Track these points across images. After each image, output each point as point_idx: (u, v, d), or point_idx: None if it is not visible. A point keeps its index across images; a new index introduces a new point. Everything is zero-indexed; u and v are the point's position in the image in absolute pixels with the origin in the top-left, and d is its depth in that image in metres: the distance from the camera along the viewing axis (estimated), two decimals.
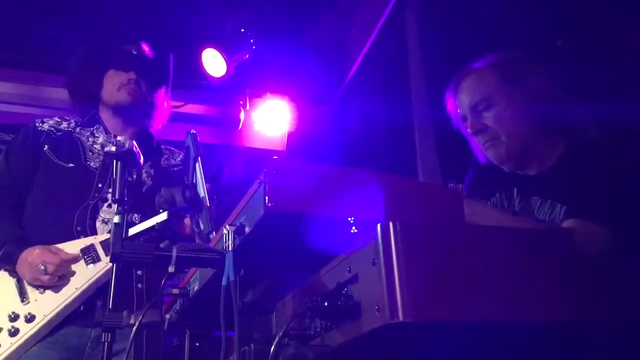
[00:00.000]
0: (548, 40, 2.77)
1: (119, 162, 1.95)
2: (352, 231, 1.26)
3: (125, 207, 1.76)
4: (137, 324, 1.70)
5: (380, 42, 4.58)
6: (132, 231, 1.80)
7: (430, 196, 1.34)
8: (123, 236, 1.62)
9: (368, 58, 4.81)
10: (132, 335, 1.69)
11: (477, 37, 3.20)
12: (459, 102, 2.17)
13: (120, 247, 1.43)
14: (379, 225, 1.02)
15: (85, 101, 2.86)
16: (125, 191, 1.80)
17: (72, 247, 2.51)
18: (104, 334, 1.72)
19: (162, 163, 2.90)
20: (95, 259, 2.49)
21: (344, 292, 1.10)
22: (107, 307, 1.77)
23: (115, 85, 2.79)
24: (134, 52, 2.81)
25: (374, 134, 4.54)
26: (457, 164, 2.29)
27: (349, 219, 1.25)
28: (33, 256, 2.41)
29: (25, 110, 4.83)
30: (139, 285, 2.56)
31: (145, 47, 2.87)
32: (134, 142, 2.00)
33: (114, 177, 1.90)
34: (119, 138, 1.96)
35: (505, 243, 1.10)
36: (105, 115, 2.85)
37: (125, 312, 1.73)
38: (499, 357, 1.20)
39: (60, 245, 2.50)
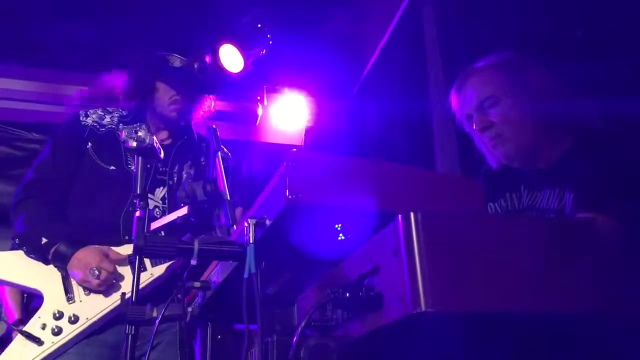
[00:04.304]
0: (568, 32, 2.75)
1: (140, 158, 1.98)
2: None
3: (147, 200, 1.78)
4: (159, 317, 1.73)
5: (397, 35, 4.56)
6: (154, 225, 1.82)
7: (450, 187, 1.34)
8: (145, 230, 1.64)
9: (385, 51, 4.79)
10: (154, 328, 1.72)
11: (494, 29, 3.18)
12: (463, 101, 2.23)
13: (143, 241, 1.44)
14: (400, 215, 1.02)
15: (134, 98, 2.86)
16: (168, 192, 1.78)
17: (122, 252, 2.51)
18: (127, 326, 1.74)
19: (201, 161, 2.88)
20: (142, 268, 2.46)
21: (365, 283, 1.11)
22: (130, 300, 1.79)
23: (166, 100, 2.78)
24: (190, 69, 2.78)
25: (392, 128, 4.53)
26: (476, 157, 2.29)
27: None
28: (89, 258, 2.40)
29: (46, 109, 4.88)
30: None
31: (209, 59, 2.86)
32: (155, 137, 2.02)
33: (135, 172, 1.92)
34: (139, 133, 1.98)
35: (526, 233, 1.10)
36: (150, 113, 2.85)
37: (148, 305, 1.75)
38: (521, 348, 1.19)
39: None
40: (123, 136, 1.97)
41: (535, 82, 2.11)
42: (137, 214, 1.73)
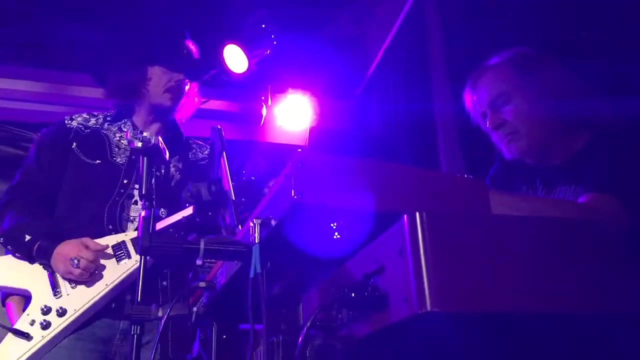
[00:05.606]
0: (571, 32, 2.75)
1: (145, 158, 1.99)
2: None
3: (153, 201, 1.79)
4: (164, 316, 1.73)
5: (401, 36, 4.56)
6: (160, 225, 1.83)
7: (455, 187, 1.35)
8: (150, 230, 1.64)
9: (389, 52, 4.79)
10: (159, 328, 1.72)
11: (498, 30, 3.18)
12: (477, 99, 2.23)
13: (149, 241, 1.45)
14: (405, 216, 1.03)
15: (123, 93, 2.84)
16: (153, 186, 1.82)
17: (104, 243, 2.53)
18: (133, 326, 1.75)
19: (189, 157, 2.91)
20: (126, 256, 2.52)
21: (370, 283, 1.11)
22: (136, 300, 1.80)
23: (161, 86, 2.77)
24: (184, 52, 2.79)
25: (396, 128, 4.53)
26: (480, 157, 2.30)
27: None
28: (67, 250, 2.44)
29: (51, 109, 4.90)
30: (164, 283, 2.58)
31: (192, 46, 2.88)
32: (160, 138, 2.02)
33: (141, 172, 1.93)
34: (145, 134, 1.99)
35: (530, 233, 1.10)
36: (138, 107, 2.84)
37: (153, 305, 1.76)
38: (526, 348, 1.20)
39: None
40: (128, 136, 1.98)
41: (547, 79, 2.11)
42: (143, 214, 1.74)
